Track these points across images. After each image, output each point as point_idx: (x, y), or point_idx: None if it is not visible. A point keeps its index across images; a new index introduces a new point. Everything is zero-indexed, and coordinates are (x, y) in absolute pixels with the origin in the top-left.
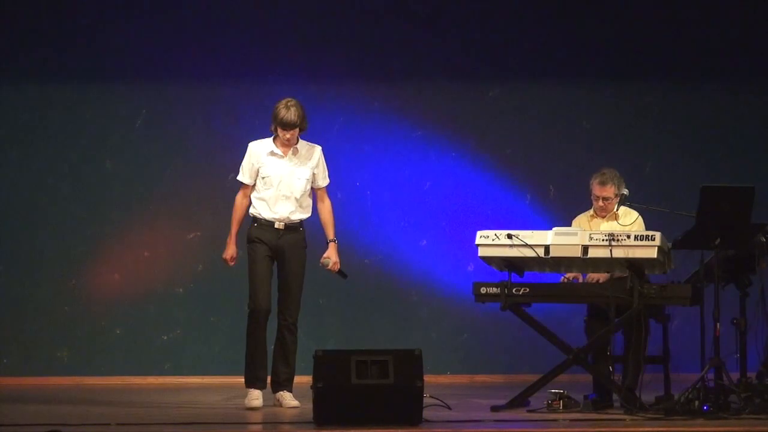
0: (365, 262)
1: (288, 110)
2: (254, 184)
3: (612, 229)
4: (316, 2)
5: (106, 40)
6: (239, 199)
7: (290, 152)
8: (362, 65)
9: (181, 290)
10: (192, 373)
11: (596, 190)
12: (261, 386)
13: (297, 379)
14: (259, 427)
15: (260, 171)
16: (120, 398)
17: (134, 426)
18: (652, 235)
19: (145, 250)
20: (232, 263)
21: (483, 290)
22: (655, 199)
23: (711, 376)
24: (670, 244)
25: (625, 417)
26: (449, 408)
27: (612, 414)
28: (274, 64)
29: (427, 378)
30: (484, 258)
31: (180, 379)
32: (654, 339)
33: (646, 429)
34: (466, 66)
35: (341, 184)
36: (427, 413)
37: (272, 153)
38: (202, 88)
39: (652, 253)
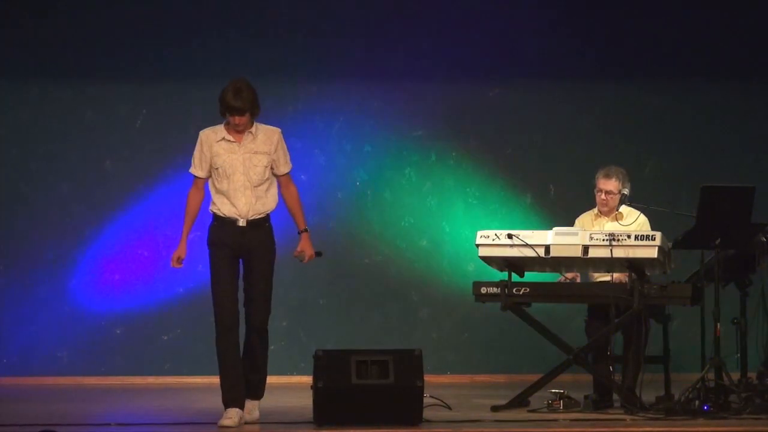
0: (365, 262)
1: (236, 93)
2: (209, 177)
3: (613, 229)
4: (316, 2)
5: (106, 40)
6: (192, 193)
7: (244, 138)
8: (362, 65)
9: (181, 290)
10: (192, 373)
11: (600, 182)
12: (237, 405)
13: (297, 378)
14: (259, 427)
15: (213, 161)
16: (120, 398)
17: (134, 426)
18: (652, 235)
19: (145, 250)
20: (179, 265)
21: (483, 290)
22: (655, 199)
23: (711, 376)
24: (670, 244)
25: (626, 417)
26: (449, 408)
27: (612, 414)
28: (274, 64)
29: (428, 378)
30: (484, 258)
31: (180, 379)
32: (654, 339)
33: (647, 429)
34: (466, 66)
35: (341, 184)
36: (427, 413)
37: (224, 140)
38: (203, 88)
39: (653, 253)
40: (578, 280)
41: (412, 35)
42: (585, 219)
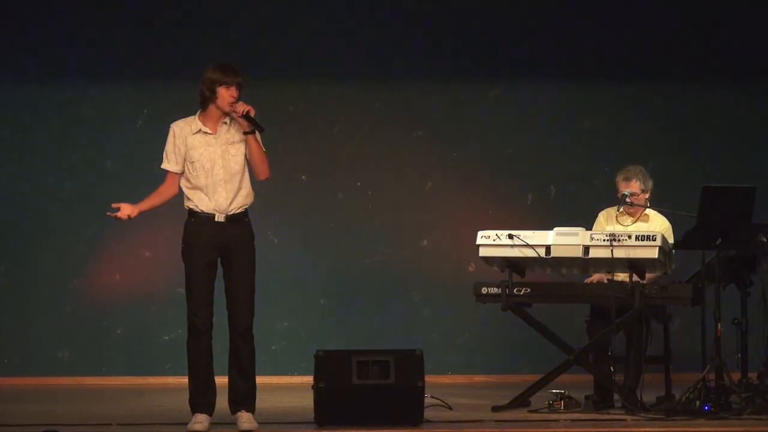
0: (366, 262)
1: (230, 66)
2: (183, 172)
3: (637, 230)
4: (316, 2)
5: (107, 40)
6: (164, 186)
7: (219, 129)
8: (362, 65)
9: (181, 290)
10: None
11: (622, 186)
12: (206, 410)
13: (298, 379)
14: (259, 427)
15: (187, 155)
16: (120, 398)
17: (135, 426)
18: (653, 236)
19: (145, 250)
20: (121, 216)
21: (484, 290)
22: (655, 199)
23: (712, 376)
24: (671, 244)
25: (626, 417)
26: (450, 408)
27: (613, 414)
28: (274, 64)
29: (428, 378)
30: (485, 258)
31: (181, 380)
32: (655, 339)
33: (647, 429)
34: (466, 66)
35: (342, 184)
36: (428, 413)
37: (201, 132)
38: None
39: (654, 254)
40: (605, 280)
41: (412, 35)
42: (609, 213)
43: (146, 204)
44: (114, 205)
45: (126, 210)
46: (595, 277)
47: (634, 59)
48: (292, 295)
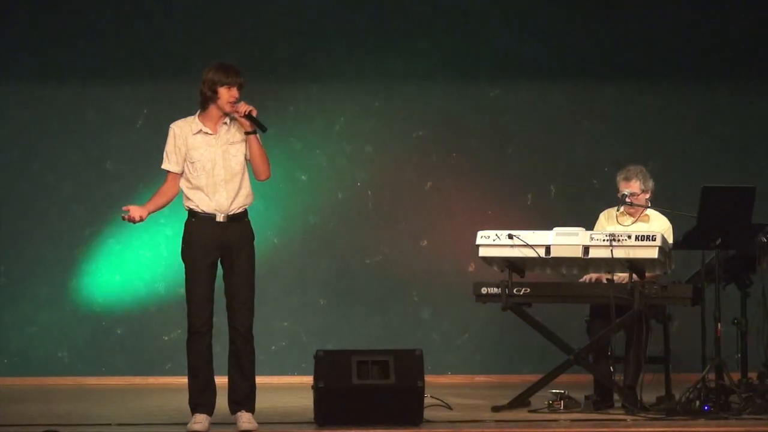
0: (366, 263)
1: (229, 66)
2: (183, 172)
3: (637, 230)
4: (316, 2)
5: (107, 40)
6: (166, 186)
7: (219, 129)
8: (363, 65)
9: (181, 290)
10: None
11: (622, 186)
12: (206, 411)
13: (298, 379)
14: (260, 427)
15: (188, 155)
16: (120, 398)
17: (134, 426)
18: (652, 236)
19: (146, 250)
20: (132, 217)
21: (484, 290)
22: (655, 199)
23: (712, 376)
24: (671, 244)
25: (626, 417)
26: (450, 408)
27: (613, 414)
28: (274, 64)
29: (428, 378)
30: (485, 258)
31: (181, 380)
32: (655, 339)
33: (647, 429)
34: (466, 66)
35: (342, 185)
36: (428, 413)
37: (201, 133)
38: None
39: (653, 254)
40: (604, 280)
41: (412, 35)
42: (610, 213)
43: (152, 205)
44: (124, 208)
45: (137, 211)
46: (594, 275)
47: (635, 59)
48: (292, 295)
